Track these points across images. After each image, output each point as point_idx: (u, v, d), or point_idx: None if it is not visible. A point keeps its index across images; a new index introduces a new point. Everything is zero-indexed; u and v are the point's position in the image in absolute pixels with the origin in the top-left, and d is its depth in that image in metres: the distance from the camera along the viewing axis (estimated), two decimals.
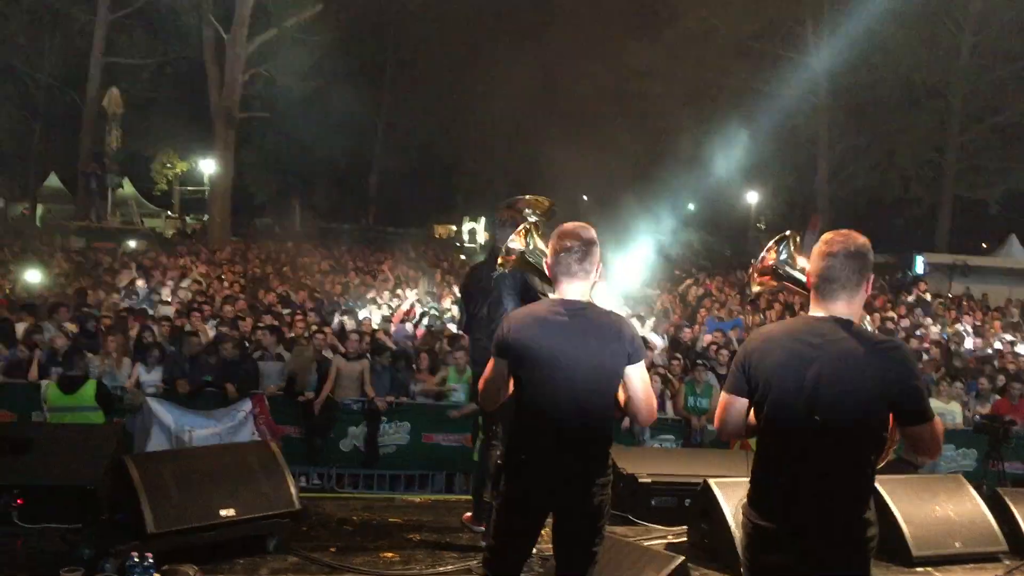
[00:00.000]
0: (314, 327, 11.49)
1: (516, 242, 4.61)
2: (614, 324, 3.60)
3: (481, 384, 3.82)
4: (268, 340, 10.66)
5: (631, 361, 3.57)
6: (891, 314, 16.61)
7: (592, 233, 3.66)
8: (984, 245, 35.60)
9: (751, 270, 4.10)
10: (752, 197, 40.89)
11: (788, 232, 3.76)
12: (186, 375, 9.63)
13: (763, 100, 29.76)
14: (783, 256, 3.70)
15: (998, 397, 11.56)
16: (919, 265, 31.19)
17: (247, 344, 10.68)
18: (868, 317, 3.71)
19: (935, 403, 10.84)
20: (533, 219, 5.04)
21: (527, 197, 5.28)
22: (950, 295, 23.13)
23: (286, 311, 13.50)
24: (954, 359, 13.50)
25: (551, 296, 3.80)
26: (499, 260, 4.70)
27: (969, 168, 32.49)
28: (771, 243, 3.73)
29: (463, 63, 34.72)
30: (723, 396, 3.29)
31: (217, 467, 5.67)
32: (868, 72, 29.99)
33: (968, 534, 5.87)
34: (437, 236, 44.80)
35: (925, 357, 13.14)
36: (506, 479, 3.69)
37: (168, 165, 37.22)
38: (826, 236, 3.17)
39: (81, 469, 5.65)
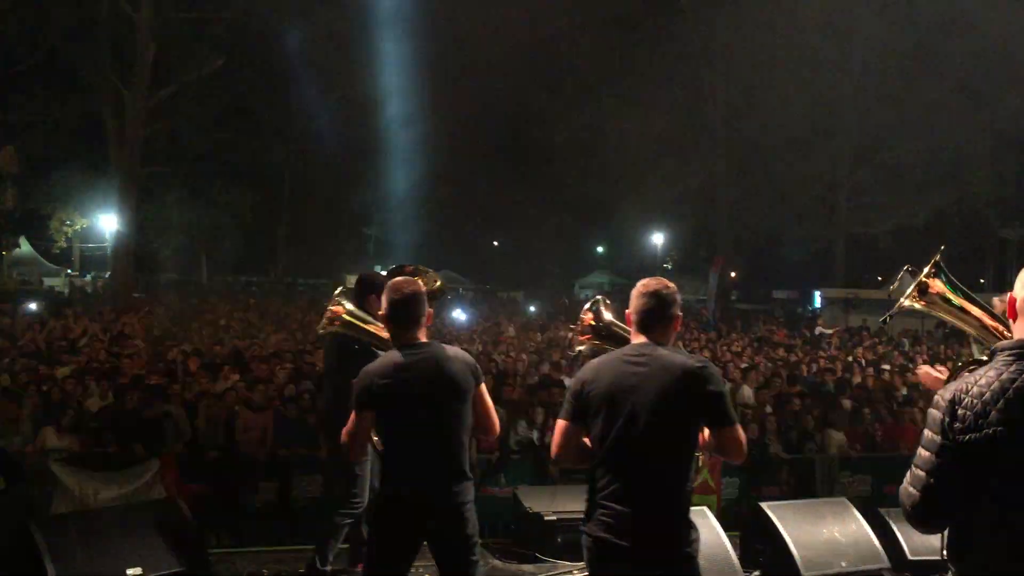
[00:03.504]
0: (221, 381, 11.40)
1: (342, 304, 4.97)
2: (453, 354, 4.03)
3: (346, 437, 4.01)
4: (176, 397, 10.54)
5: (477, 382, 4.00)
6: (788, 349, 17.17)
7: (419, 285, 4.11)
8: (880, 278, 37.06)
9: (573, 331, 4.68)
10: (658, 238, 41.91)
11: (599, 297, 4.50)
12: (94, 436, 9.47)
13: (661, 143, 30.66)
14: (601, 318, 4.38)
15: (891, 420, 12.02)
16: (817, 300, 32.44)
17: (153, 402, 10.54)
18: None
19: (835, 433, 11.39)
20: None
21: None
22: (846, 328, 24.07)
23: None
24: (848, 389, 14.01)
25: (393, 346, 4.11)
26: (323, 322, 5.05)
27: (859, 205, 33.96)
28: (587, 306, 4.43)
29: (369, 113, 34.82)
30: (560, 424, 3.62)
31: (123, 526, 5.66)
32: (761, 116, 31.19)
33: (853, 553, 6.21)
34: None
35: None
36: (379, 512, 4.04)
37: (67, 223, 36.30)
38: (643, 281, 3.72)
39: None
